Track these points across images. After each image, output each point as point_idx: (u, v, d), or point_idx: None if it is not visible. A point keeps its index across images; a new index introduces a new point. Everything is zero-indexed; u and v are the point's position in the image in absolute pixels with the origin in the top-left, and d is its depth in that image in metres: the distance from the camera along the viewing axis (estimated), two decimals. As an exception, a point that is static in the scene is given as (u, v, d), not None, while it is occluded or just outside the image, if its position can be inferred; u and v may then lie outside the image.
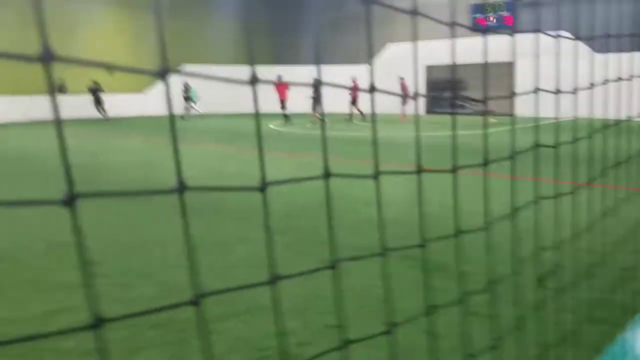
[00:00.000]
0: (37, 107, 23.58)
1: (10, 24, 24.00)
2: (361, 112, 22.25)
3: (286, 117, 21.75)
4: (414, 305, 3.43)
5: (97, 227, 5.52)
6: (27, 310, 3.53)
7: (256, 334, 3.17)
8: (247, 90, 27.17)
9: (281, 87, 21.77)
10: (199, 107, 25.74)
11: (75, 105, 24.56)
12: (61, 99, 24.06)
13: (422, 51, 25.74)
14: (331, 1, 30.87)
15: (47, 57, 0.62)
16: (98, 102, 24.09)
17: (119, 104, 26.34)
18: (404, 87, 23.25)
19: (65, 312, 3.50)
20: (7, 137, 16.64)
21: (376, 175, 1.14)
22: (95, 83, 24.17)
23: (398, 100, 24.90)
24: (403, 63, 27.19)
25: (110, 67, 0.72)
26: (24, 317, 3.42)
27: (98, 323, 0.72)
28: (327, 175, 1.06)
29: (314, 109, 20.13)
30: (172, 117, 0.76)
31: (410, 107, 24.67)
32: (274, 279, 0.94)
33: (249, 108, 28.66)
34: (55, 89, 0.65)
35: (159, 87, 28.45)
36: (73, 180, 0.67)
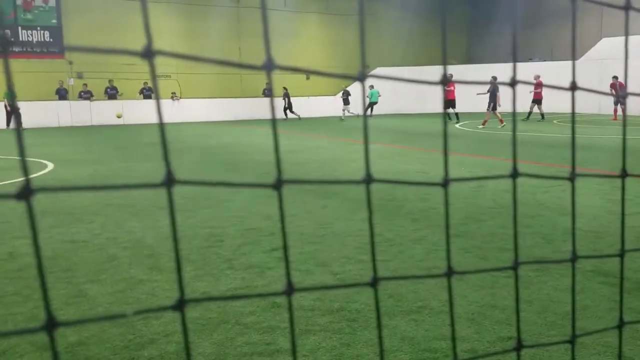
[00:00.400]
0: (240, 108, 26.33)
1: (223, 34, 27.12)
2: (542, 114, 20.71)
3: (451, 116, 21.90)
4: (603, 326, 3.03)
5: (285, 215, 5.96)
6: (218, 286, 3.96)
7: (424, 334, 3.12)
8: (430, 90, 26.80)
9: (450, 86, 21.91)
10: (354, 110, 26.36)
11: (268, 107, 26.86)
12: (267, 101, 26.46)
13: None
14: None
15: (269, 66, 0.71)
16: (288, 107, 25.99)
17: (312, 106, 28.05)
18: (615, 87, 20.62)
19: (249, 290, 3.85)
20: (219, 133, 18.87)
21: (572, 178, 1.03)
22: (285, 89, 26.13)
23: (611, 99, 22.27)
24: (618, 59, 24.21)
25: (321, 74, 0.81)
26: (216, 292, 3.85)
27: (289, 291, 0.79)
28: (514, 174, 0.99)
29: (491, 107, 18.97)
30: (365, 118, 0.81)
31: (625, 108, 21.78)
32: (449, 272, 0.90)
33: (430, 108, 28.25)
34: (271, 93, 0.75)
35: (349, 90, 29.62)
36: (280, 170, 0.75)
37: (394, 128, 19.12)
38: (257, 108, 26.49)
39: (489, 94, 19.10)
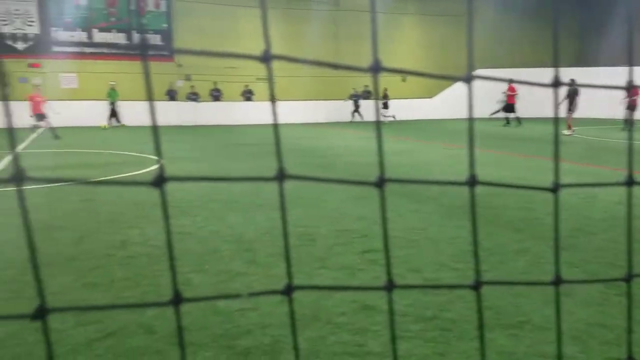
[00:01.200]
0: (334, 110, 26.59)
1: (320, 37, 27.53)
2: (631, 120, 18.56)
3: (514, 120, 21.21)
4: None
5: (377, 218, 5.93)
6: (309, 283, 4.02)
7: (524, 350, 2.96)
8: (527, 93, 25.43)
9: (511, 89, 21.47)
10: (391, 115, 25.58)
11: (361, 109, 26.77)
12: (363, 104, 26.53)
13: None
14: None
15: (376, 68, 0.72)
16: (356, 109, 25.82)
17: (406, 108, 27.69)
18: None
19: (342, 289, 3.87)
20: (313, 135, 19.19)
21: None
22: (354, 89, 25.94)
23: None
24: None
25: (424, 75, 0.81)
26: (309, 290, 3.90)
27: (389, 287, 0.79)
28: (630, 182, 0.92)
29: (570, 111, 17.40)
30: (471, 122, 0.80)
31: None
32: (557, 281, 0.86)
33: (530, 112, 26.80)
34: (369, 95, 0.77)
35: (445, 93, 28.89)
36: (383, 169, 0.76)
37: (490, 132, 18.38)
38: (349, 110, 26.64)
39: (567, 98, 17.59)
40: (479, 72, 27.00)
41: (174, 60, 25.25)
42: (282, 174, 0.75)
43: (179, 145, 14.64)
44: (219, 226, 5.71)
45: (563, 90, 18.16)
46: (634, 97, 18.68)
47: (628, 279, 0.89)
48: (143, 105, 23.87)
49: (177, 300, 0.67)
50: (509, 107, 22.08)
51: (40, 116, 16.10)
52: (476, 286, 0.84)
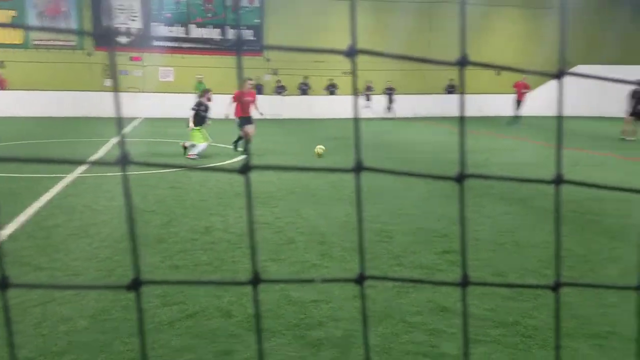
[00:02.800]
0: (419, 104, 26.08)
1: (412, 29, 27.07)
2: None
3: (515, 118, 20.14)
4: None
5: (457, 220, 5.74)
6: (385, 282, 3.96)
7: (614, 366, 2.75)
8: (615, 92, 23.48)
9: (519, 86, 20.70)
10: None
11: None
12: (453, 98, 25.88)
13: None
14: None
15: (463, 62, 0.70)
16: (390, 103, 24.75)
17: (494, 103, 26.60)
18: None
19: (416, 289, 3.78)
20: (396, 129, 18.94)
21: None
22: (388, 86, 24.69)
23: None
24: None
25: (515, 70, 0.78)
26: (382, 287, 3.85)
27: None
28: None
29: (632, 114, 14.80)
30: (559, 119, 0.75)
31: None
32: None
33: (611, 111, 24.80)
34: (455, 89, 0.74)
35: (544, 88, 27.45)
36: (465, 164, 0.74)
37: (595, 132, 17.22)
38: (437, 104, 26.02)
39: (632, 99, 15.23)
40: (580, 68, 25.45)
41: (263, 54, 25.93)
42: (359, 165, 0.74)
43: (264, 138, 15.02)
44: (296, 218, 5.79)
45: None
46: None
47: None
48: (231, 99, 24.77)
49: (256, 280, 0.72)
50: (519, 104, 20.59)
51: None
52: (555, 287, 0.79)
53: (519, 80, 22.02)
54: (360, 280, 0.76)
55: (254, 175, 0.69)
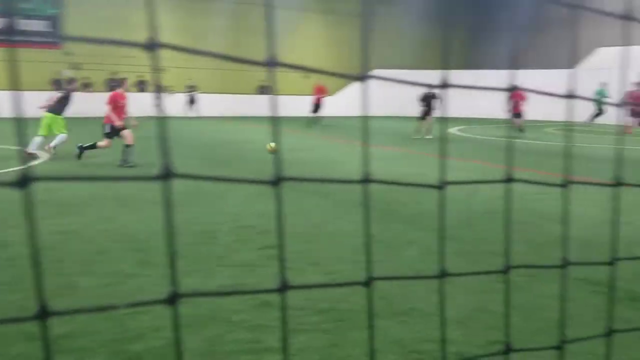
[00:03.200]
0: (237, 104, 26.28)
1: (222, 31, 27.06)
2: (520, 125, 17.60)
3: (315, 119, 21.33)
4: (591, 334, 3.05)
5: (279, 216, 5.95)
6: (208, 283, 3.95)
7: (413, 337, 3.12)
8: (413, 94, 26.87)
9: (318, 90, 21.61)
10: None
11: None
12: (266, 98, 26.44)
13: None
14: (531, 2, 28.95)
15: (272, 63, 0.73)
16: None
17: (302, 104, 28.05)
18: (634, 97, 19.02)
19: (239, 287, 3.84)
20: (213, 129, 18.83)
21: (565, 184, 1.03)
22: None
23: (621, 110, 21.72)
24: (613, 70, 24.29)
25: (324, 73, 0.82)
26: (207, 288, 3.84)
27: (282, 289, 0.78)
28: (509, 179, 0.99)
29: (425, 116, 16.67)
30: (365, 120, 0.82)
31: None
32: (442, 275, 0.91)
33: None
34: (273, 89, 0.76)
35: (346, 91, 29.60)
36: (280, 166, 0.76)
37: (390, 130, 19.12)
38: (252, 105, 26.46)
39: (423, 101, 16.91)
40: (375, 72, 28.00)
41: (62, 47, 23.61)
42: (167, 172, 0.73)
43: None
44: (108, 225, 5.43)
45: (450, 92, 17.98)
46: (518, 101, 16.85)
47: (505, 270, 0.96)
48: (25, 95, 22.04)
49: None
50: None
51: None
52: (368, 282, 0.87)
53: (317, 84, 22.66)
54: (171, 300, 0.75)
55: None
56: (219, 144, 13.91)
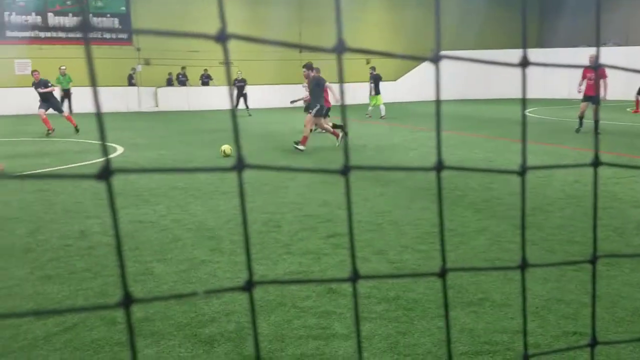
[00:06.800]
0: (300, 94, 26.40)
1: (284, 21, 27.22)
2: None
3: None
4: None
5: (342, 203, 5.95)
6: (275, 270, 4.01)
7: (484, 327, 3.03)
8: (494, 76, 25.91)
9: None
10: None
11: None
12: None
13: None
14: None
15: (341, 49, 0.71)
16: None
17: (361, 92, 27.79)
18: None
19: (305, 275, 3.88)
20: (277, 120, 19.04)
21: None
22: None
23: None
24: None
25: (390, 55, 0.79)
26: (274, 275, 3.90)
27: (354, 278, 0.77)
28: (596, 163, 0.92)
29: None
30: (438, 104, 0.79)
31: None
32: (523, 265, 0.86)
33: (496, 93, 27.45)
34: (341, 77, 0.74)
35: (408, 75, 29.06)
36: (348, 155, 0.75)
37: (457, 114, 18.62)
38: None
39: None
40: (446, 53, 27.32)
41: (132, 44, 24.59)
42: (241, 163, 0.72)
43: (140, 133, 14.32)
44: (181, 214, 5.62)
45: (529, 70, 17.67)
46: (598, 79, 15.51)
47: (593, 260, 0.90)
48: (102, 91, 23.17)
49: (128, 301, 0.64)
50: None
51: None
52: (442, 273, 0.84)
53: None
54: (248, 287, 0.74)
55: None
56: (272, 134, 14.07)
